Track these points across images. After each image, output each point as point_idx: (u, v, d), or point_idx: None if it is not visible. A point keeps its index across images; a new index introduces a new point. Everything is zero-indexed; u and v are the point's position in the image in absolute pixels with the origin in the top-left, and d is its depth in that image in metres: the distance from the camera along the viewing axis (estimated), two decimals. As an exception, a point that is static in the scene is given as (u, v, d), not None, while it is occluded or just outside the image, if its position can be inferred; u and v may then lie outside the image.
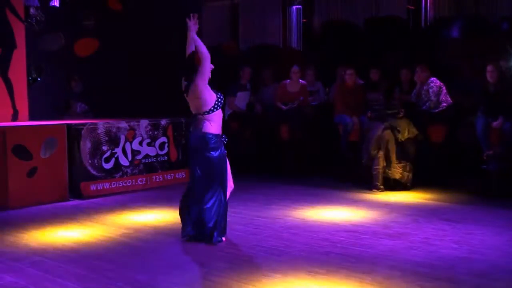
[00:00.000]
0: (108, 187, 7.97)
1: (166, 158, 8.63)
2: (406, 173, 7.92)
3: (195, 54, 5.24)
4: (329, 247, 5.13)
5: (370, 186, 7.98)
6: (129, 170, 8.22)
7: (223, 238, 5.37)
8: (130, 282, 4.26)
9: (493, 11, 9.33)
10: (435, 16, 10.05)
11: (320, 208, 6.83)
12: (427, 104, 8.36)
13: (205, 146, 5.25)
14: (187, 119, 8.16)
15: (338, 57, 10.14)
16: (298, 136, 9.22)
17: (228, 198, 5.47)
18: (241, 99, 9.93)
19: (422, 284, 4.15)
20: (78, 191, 7.70)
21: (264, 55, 11.28)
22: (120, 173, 8.13)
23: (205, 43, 5.22)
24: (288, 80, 9.64)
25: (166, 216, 6.46)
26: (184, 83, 5.36)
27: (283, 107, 9.48)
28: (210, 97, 5.24)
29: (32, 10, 8.75)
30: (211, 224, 5.27)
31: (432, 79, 8.39)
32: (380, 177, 7.90)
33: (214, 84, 5.50)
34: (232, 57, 11.08)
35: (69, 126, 7.75)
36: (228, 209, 5.47)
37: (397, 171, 7.91)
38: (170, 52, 8.46)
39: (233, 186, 5.54)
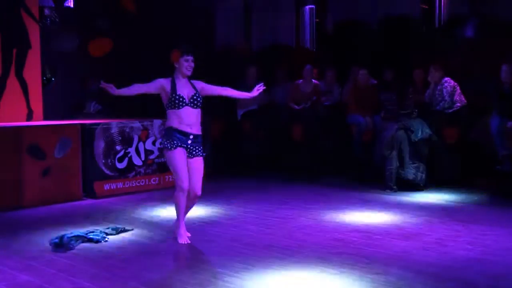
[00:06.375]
0: (121, 186, 8.01)
1: (179, 158, 8.63)
2: (419, 174, 7.88)
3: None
4: (342, 247, 5.12)
5: (383, 186, 7.95)
6: (142, 170, 8.25)
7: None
8: (143, 281, 4.27)
9: (508, 10, 9.24)
10: (449, 16, 9.97)
11: (332, 208, 6.82)
12: (441, 104, 8.31)
13: None
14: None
15: (351, 57, 10.11)
16: (311, 136, 9.20)
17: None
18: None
19: (435, 285, 4.13)
20: (91, 190, 7.75)
21: (277, 55, 11.26)
22: (134, 173, 8.17)
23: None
24: (301, 80, 9.63)
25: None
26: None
27: (296, 107, 9.47)
28: None
29: (46, 11, 8.80)
30: None
31: (446, 79, 8.34)
32: (393, 177, 7.87)
33: (224, 83, 5.52)
34: (244, 58, 11.07)
35: (83, 126, 7.80)
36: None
37: (410, 172, 7.88)
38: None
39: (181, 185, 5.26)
